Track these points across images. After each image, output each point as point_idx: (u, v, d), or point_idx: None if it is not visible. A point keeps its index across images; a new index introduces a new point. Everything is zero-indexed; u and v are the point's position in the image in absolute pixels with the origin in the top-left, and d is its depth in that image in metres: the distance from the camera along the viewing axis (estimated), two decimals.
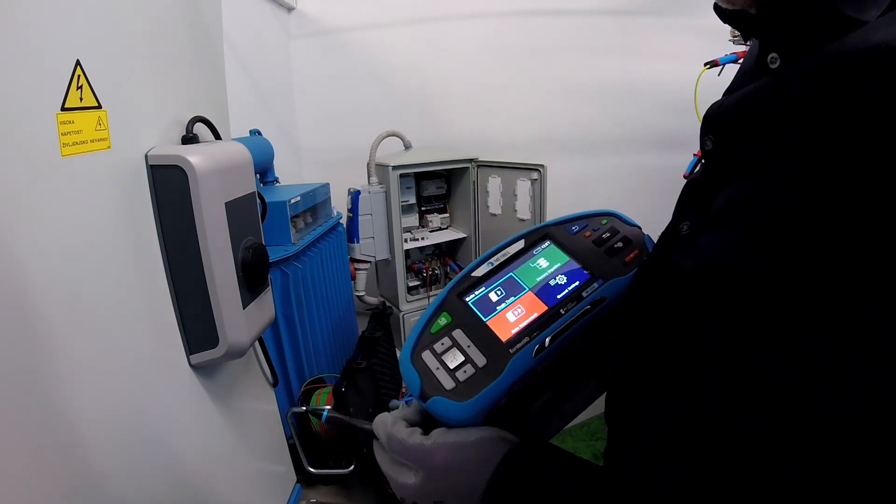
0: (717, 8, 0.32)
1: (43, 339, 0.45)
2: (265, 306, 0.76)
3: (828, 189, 0.23)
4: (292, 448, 1.11)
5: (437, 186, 1.79)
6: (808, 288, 0.23)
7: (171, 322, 0.64)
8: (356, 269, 1.59)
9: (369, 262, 1.61)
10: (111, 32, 0.54)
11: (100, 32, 0.52)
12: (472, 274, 0.43)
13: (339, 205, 1.54)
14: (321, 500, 1.21)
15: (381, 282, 1.81)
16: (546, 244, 0.44)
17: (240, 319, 0.67)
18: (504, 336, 0.39)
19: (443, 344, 0.39)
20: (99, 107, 0.51)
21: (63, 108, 0.46)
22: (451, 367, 0.38)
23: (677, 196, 0.37)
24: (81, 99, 0.49)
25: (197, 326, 0.65)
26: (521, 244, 0.45)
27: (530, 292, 0.41)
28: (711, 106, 0.32)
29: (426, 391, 0.37)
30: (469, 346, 0.39)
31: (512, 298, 0.41)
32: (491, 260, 0.44)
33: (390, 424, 0.39)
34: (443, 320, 0.40)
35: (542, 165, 1.45)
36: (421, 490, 0.36)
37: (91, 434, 0.50)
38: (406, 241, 1.67)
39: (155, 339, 0.61)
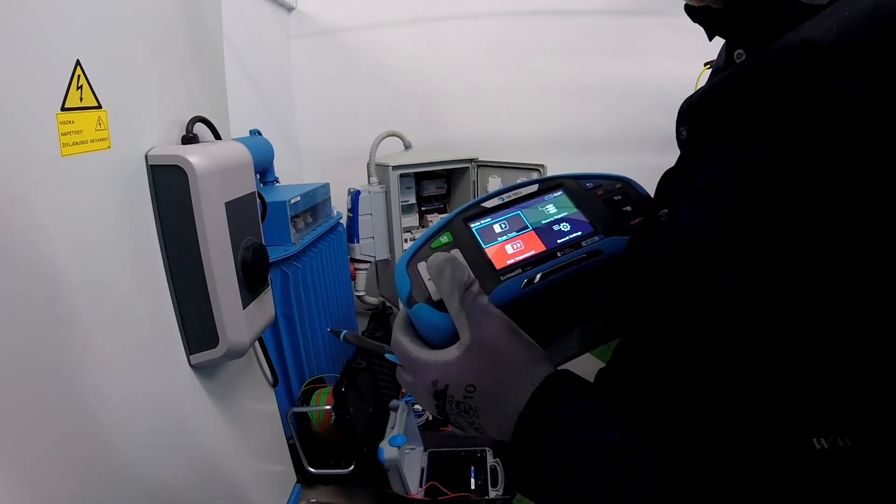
0: (687, 8, 0.34)
1: (41, 339, 0.45)
2: (265, 306, 0.76)
3: (773, 176, 0.25)
4: (292, 448, 1.11)
5: (437, 186, 1.79)
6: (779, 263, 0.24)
7: (172, 322, 0.64)
8: (356, 269, 1.59)
9: (369, 262, 1.61)
10: (111, 32, 0.54)
11: (100, 32, 0.52)
12: (482, 204, 0.45)
13: (339, 205, 1.54)
14: (321, 500, 1.21)
15: (381, 282, 1.81)
16: (558, 193, 0.46)
17: (240, 319, 0.67)
18: (499, 264, 0.40)
19: None
20: (99, 107, 0.51)
21: (63, 108, 0.47)
22: None
23: None
24: (81, 99, 0.49)
25: (197, 326, 0.65)
26: (534, 188, 0.46)
27: (532, 231, 0.43)
28: (685, 100, 0.35)
29: (414, 297, 0.38)
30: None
31: (514, 233, 0.43)
32: (503, 196, 0.45)
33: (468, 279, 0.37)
34: (444, 238, 0.42)
35: (542, 165, 1.45)
36: (461, 363, 0.35)
37: (89, 433, 0.50)
38: (406, 241, 1.67)
39: (155, 338, 0.61)
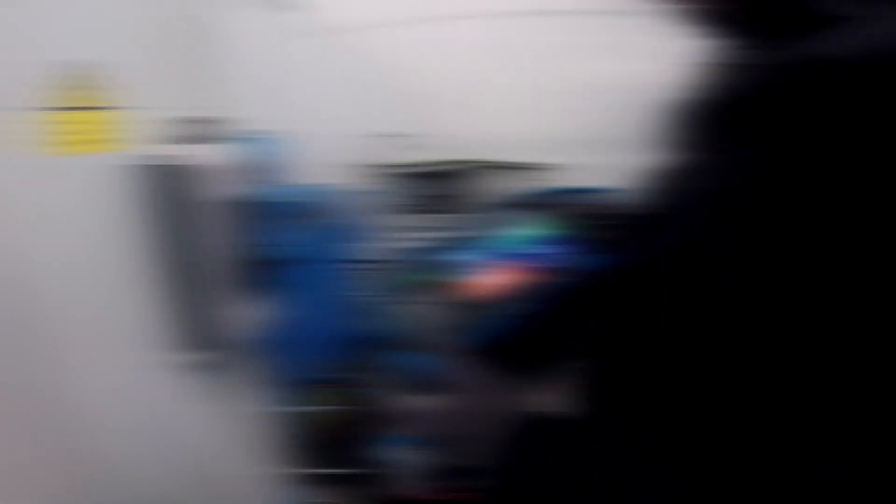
0: (683, 11, 0.35)
1: (43, 338, 0.45)
2: (264, 306, 0.76)
3: (773, 174, 0.25)
4: (292, 448, 1.10)
5: (438, 187, 1.79)
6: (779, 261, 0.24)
7: (170, 322, 0.64)
8: (356, 270, 1.59)
9: (369, 262, 1.61)
10: (112, 33, 0.53)
11: (100, 33, 0.52)
12: (456, 235, 0.43)
13: (339, 205, 1.54)
14: (321, 501, 1.21)
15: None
16: (535, 213, 0.45)
17: (239, 320, 0.67)
18: (477, 300, 0.39)
19: None
20: (99, 107, 0.51)
21: (63, 109, 0.46)
22: None
23: None
24: (82, 99, 0.49)
25: (195, 326, 0.65)
26: (509, 209, 0.45)
27: (510, 259, 0.41)
28: (683, 106, 0.35)
29: (395, 342, 0.37)
30: None
31: (491, 264, 0.41)
32: (477, 222, 0.44)
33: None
34: (419, 277, 0.41)
35: (542, 165, 1.45)
36: (437, 415, 0.34)
37: (82, 436, 0.50)
38: (406, 241, 1.67)
39: (153, 339, 0.61)
